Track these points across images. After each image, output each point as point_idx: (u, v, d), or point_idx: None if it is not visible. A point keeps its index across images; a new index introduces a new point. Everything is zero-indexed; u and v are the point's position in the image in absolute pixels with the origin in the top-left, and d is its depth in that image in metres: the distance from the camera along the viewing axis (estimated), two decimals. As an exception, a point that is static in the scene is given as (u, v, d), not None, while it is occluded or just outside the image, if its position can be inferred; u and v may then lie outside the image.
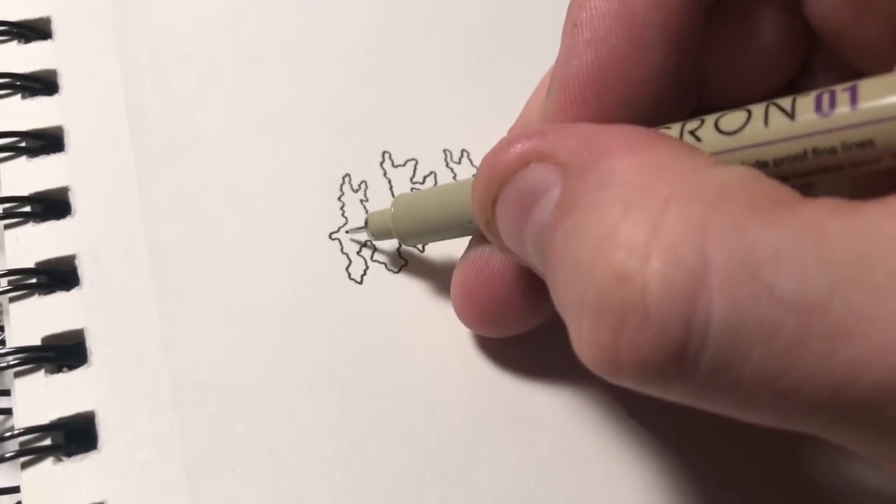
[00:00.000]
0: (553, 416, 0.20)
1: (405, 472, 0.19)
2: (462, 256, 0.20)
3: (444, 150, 0.24)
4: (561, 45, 0.16)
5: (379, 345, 0.21)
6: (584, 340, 0.12)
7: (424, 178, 0.24)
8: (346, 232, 0.22)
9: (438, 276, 0.22)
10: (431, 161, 0.24)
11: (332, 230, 0.22)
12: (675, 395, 0.12)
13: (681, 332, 0.11)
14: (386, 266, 0.22)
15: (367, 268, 0.22)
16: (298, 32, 0.25)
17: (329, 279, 0.22)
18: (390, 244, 0.22)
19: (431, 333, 0.21)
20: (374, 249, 0.22)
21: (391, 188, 0.23)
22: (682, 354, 0.11)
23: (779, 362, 0.11)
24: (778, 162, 0.13)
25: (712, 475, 0.19)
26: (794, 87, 0.18)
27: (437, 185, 0.23)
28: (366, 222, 0.22)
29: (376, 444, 0.19)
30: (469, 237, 0.20)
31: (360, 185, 0.23)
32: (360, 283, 0.22)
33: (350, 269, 0.22)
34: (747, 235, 0.11)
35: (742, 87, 0.17)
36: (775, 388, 0.11)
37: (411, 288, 0.22)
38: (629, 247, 0.11)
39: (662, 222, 0.11)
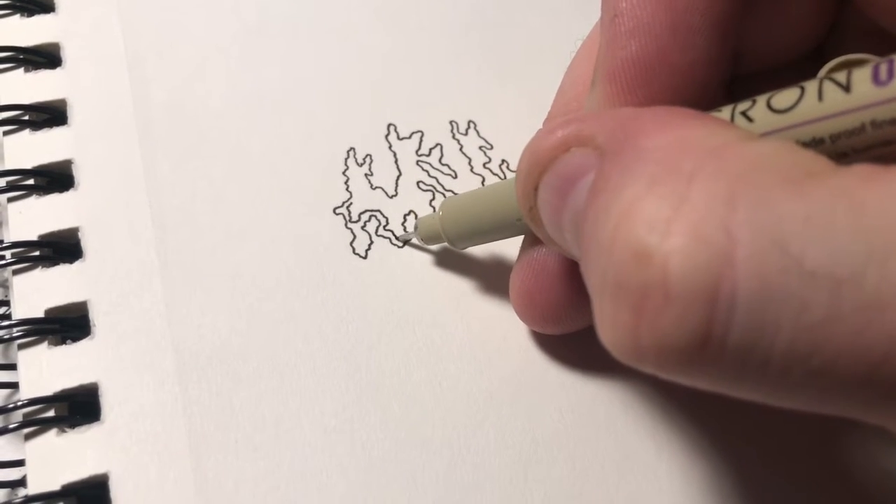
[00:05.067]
0: (560, 388, 0.20)
1: (410, 444, 0.19)
2: (518, 258, 0.19)
3: (451, 122, 0.24)
4: (601, 37, 0.16)
5: (383, 319, 0.21)
6: (605, 322, 0.12)
7: (430, 150, 0.23)
8: (397, 238, 0.22)
9: (442, 251, 0.22)
10: (437, 133, 0.23)
11: (337, 204, 0.22)
12: (701, 381, 0.11)
13: (704, 312, 0.10)
14: (390, 241, 0.22)
15: (372, 242, 0.22)
16: (302, 3, 0.25)
17: (333, 253, 0.21)
18: (393, 222, 0.22)
19: (435, 307, 0.21)
20: (379, 224, 0.22)
21: (396, 161, 0.23)
22: (707, 335, 0.10)
23: (810, 339, 0.10)
24: (835, 137, 0.12)
25: (721, 451, 0.19)
26: (822, 53, 0.17)
27: (484, 185, 0.23)
28: (415, 227, 0.21)
29: (380, 418, 0.19)
30: (522, 237, 0.20)
31: (364, 159, 0.23)
32: (365, 257, 0.22)
33: (354, 244, 0.22)
34: (776, 209, 0.10)
35: (772, 54, 0.17)
36: (807, 367, 0.10)
37: (415, 262, 0.22)
38: (649, 223, 0.11)
39: (686, 197, 0.11)
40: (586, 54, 0.19)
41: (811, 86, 0.13)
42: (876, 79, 0.12)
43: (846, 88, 0.12)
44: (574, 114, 0.18)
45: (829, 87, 0.13)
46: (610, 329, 0.12)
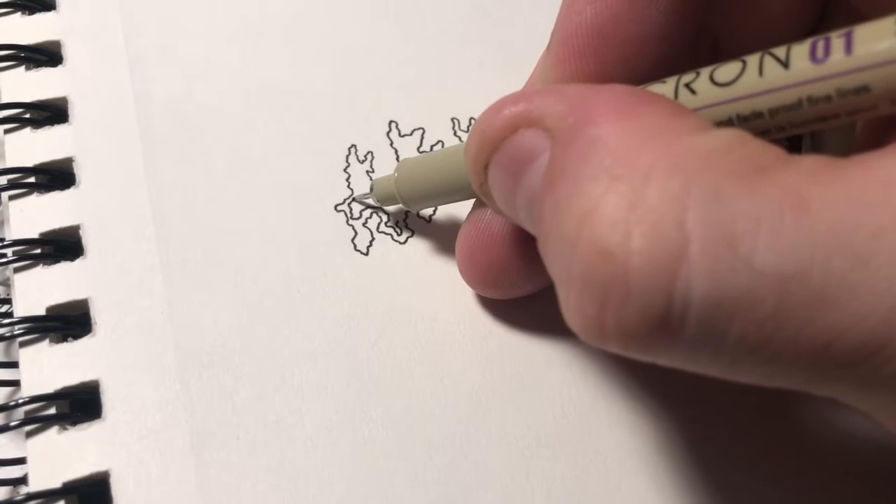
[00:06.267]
0: (562, 385, 0.20)
1: (411, 441, 0.19)
2: (467, 216, 0.20)
3: (452, 119, 0.24)
4: (562, 1, 0.16)
5: (385, 315, 0.20)
6: (572, 311, 0.13)
7: (432, 147, 0.23)
8: (354, 199, 0.22)
9: (444, 247, 0.22)
10: (439, 130, 0.23)
11: (338, 201, 0.22)
12: (661, 361, 0.12)
13: (662, 306, 0.11)
14: (392, 237, 0.22)
15: (373, 239, 0.22)
16: (304, 1, 0.25)
17: (335, 250, 0.21)
18: (400, 212, 0.22)
19: (437, 304, 0.21)
20: (381, 221, 0.22)
21: (398, 158, 0.23)
22: (665, 327, 0.11)
23: (760, 332, 0.11)
24: (773, 112, 0.13)
25: (720, 442, 0.19)
26: None
27: (441, 148, 0.23)
28: (371, 188, 0.21)
29: (382, 415, 0.19)
30: (474, 199, 0.20)
31: (366, 156, 0.23)
32: (366, 254, 0.21)
33: (356, 241, 0.22)
34: (727, 207, 0.11)
35: (757, 43, 0.17)
36: (757, 355, 0.11)
37: (417, 259, 0.22)
38: (611, 222, 0.12)
39: (643, 196, 0.11)
40: None
41: (753, 60, 0.13)
42: (813, 56, 0.12)
43: (785, 65, 0.12)
44: (522, 90, 0.18)
45: (769, 62, 0.13)
46: (576, 317, 0.12)
